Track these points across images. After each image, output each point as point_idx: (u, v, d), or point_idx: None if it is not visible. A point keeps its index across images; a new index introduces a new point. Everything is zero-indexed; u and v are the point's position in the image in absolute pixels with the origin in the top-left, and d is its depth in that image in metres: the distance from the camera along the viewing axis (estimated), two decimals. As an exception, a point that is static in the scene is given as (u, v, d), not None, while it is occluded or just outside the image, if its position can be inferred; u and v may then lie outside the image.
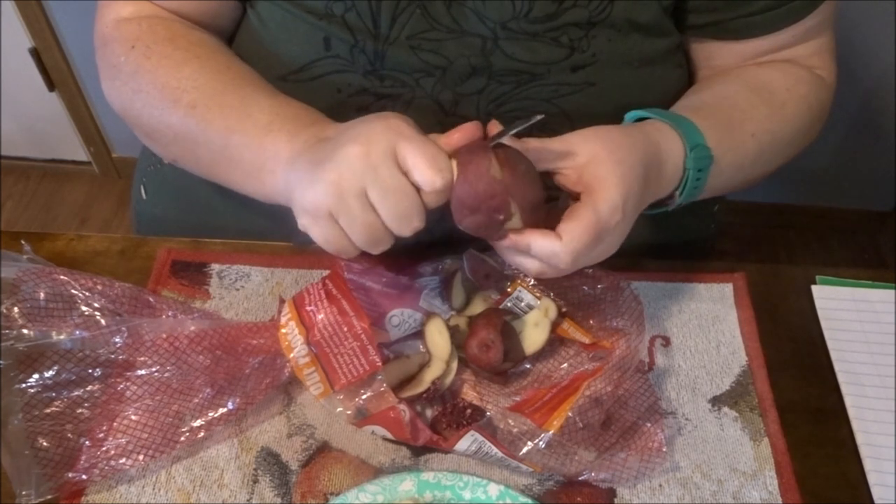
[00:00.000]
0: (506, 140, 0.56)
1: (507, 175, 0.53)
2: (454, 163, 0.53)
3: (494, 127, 0.56)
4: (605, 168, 0.55)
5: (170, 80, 0.64)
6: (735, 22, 0.69)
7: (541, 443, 0.57)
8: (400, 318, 0.64)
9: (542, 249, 0.54)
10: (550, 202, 0.57)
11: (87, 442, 0.59)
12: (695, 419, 0.64)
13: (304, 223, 0.55)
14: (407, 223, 0.53)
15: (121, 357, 0.61)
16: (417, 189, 0.53)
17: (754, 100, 0.69)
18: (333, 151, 0.53)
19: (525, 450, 0.58)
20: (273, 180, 0.59)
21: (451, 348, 0.64)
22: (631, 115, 0.64)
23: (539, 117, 0.54)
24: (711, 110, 0.66)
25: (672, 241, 0.81)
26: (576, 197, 0.57)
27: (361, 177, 0.51)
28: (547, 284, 0.68)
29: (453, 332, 0.64)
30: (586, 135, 0.58)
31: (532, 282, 0.68)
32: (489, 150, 0.53)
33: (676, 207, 0.64)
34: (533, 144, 0.57)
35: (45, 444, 0.58)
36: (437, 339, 0.64)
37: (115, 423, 0.60)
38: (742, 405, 0.65)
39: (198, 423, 0.60)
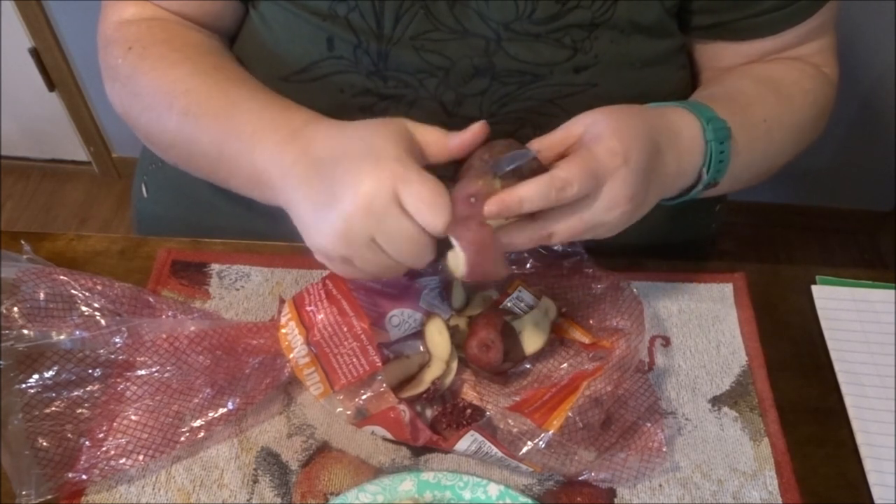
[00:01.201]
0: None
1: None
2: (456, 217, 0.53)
3: (486, 130, 0.56)
4: (603, 125, 0.55)
5: (163, 83, 0.64)
6: (739, 23, 0.69)
7: (541, 443, 0.57)
8: (400, 318, 0.64)
9: (533, 190, 0.52)
10: None
11: (87, 442, 0.59)
12: (695, 419, 0.64)
13: (319, 259, 0.56)
14: (419, 260, 0.54)
15: (121, 357, 0.61)
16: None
17: (762, 90, 0.69)
18: (334, 202, 0.52)
19: (525, 450, 0.58)
20: (273, 195, 0.59)
21: (451, 348, 0.64)
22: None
23: (533, 153, 0.54)
24: (722, 98, 0.66)
25: (672, 241, 0.81)
26: None
27: (367, 229, 0.51)
28: (547, 284, 0.68)
29: (453, 332, 0.64)
30: (587, 111, 0.57)
31: (532, 282, 0.68)
32: (493, 235, 0.53)
33: (707, 187, 0.63)
34: (536, 146, 0.56)
35: (45, 444, 0.58)
36: (437, 339, 0.64)
37: (115, 424, 0.60)
38: (742, 405, 0.65)
39: (198, 423, 0.60)
